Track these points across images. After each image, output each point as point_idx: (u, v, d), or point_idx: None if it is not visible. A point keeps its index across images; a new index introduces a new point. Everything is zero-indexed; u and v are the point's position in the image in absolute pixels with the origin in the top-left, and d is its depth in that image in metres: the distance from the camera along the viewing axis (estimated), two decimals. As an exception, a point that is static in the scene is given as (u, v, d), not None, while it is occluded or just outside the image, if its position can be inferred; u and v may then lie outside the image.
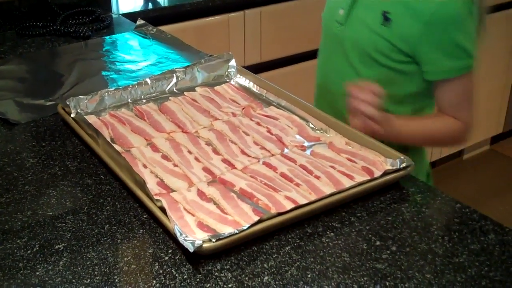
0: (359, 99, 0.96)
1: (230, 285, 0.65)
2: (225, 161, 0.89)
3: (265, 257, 0.69)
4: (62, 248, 0.71)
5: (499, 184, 2.62)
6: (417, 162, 0.96)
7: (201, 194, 0.81)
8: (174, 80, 1.14)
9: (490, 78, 2.65)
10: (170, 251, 0.70)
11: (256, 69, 1.93)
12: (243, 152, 0.92)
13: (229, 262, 0.68)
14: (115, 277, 0.66)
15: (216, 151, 0.92)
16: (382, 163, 0.87)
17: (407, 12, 1.02)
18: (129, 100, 1.09)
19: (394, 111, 1.05)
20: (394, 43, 1.04)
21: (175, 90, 1.13)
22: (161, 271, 0.67)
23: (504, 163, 2.79)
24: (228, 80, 1.18)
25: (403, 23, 1.03)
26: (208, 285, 0.65)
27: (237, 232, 0.70)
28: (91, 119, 1.00)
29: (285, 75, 2.00)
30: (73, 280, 0.66)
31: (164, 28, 1.65)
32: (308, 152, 0.92)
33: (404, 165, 0.85)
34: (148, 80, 1.12)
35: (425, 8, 1.00)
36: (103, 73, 1.24)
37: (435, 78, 1.05)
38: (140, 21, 1.50)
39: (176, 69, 1.15)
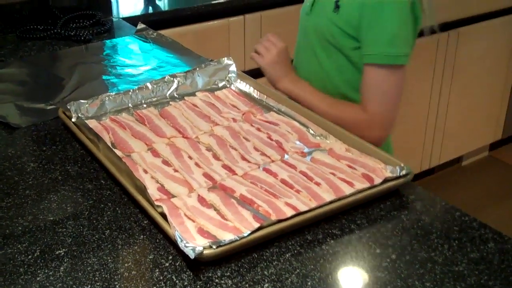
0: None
1: (230, 292, 0.65)
2: (225, 167, 0.90)
3: (265, 264, 0.70)
4: (62, 253, 0.71)
5: (498, 191, 2.63)
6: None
7: (201, 200, 0.81)
8: (175, 85, 1.14)
9: (488, 84, 2.66)
10: (170, 257, 0.71)
11: (256, 73, 1.93)
12: (243, 158, 0.92)
13: (230, 269, 0.69)
14: (116, 283, 0.67)
15: (216, 157, 0.92)
16: (382, 170, 0.87)
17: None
18: (129, 105, 1.09)
19: (353, 98, 1.15)
20: (343, 28, 1.12)
21: (175, 95, 1.13)
22: (161, 278, 0.67)
23: (503, 170, 2.79)
24: (228, 85, 1.18)
25: (347, 10, 1.11)
26: (209, 291, 0.65)
27: (237, 238, 0.70)
28: (92, 123, 1.01)
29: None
30: (74, 286, 0.66)
31: (164, 32, 1.66)
32: (308, 158, 0.93)
33: (404, 172, 0.85)
34: (149, 85, 1.12)
35: None
36: (104, 77, 1.25)
37: (364, 61, 1.10)
38: (140, 25, 1.50)
39: (176, 74, 1.15)
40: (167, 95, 1.13)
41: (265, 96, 1.12)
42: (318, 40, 1.18)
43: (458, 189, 2.61)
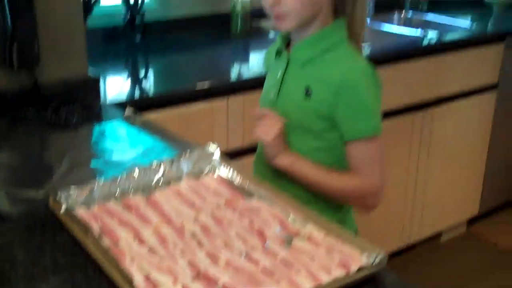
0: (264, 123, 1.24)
1: None
2: (209, 254, 0.93)
3: None
4: None
5: (478, 268, 2.66)
6: (344, 222, 1.28)
7: (186, 289, 0.84)
8: (161, 171, 1.19)
9: (464, 161, 2.75)
10: None
11: (239, 153, 2.00)
12: (226, 245, 0.96)
13: None
14: None
15: (200, 244, 0.96)
16: (359, 257, 0.92)
17: (322, 84, 1.22)
18: (117, 192, 1.13)
19: None
20: (316, 113, 1.23)
21: (161, 181, 1.18)
22: None
23: (481, 246, 2.84)
24: (212, 171, 1.23)
25: (321, 94, 1.22)
26: None
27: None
28: (81, 212, 1.05)
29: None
30: None
31: (150, 114, 1.73)
32: (288, 245, 0.97)
33: (379, 259, 0.89)
34: (136, 172, 1.17)
35: (334, 77, 1.20)
36: (92, 163, 1.30)
37: (347, 139, 1.22)
38: (128, 111, 1.57)
39: (162, 161, 1.21)
40: (154, 182, 1.18)
41: (247, 183, 1.17)
42: (288, 125, 1.27)
43: (438, 266, 2.64)
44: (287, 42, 1.32)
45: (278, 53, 1.33)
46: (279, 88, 1.29)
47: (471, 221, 2.95)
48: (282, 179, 1.29)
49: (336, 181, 1.24)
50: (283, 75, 1.29)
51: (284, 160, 1.25)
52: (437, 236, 2.83)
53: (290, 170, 1.25)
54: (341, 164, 1.26)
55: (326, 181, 1.24)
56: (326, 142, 1.25)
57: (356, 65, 1.22)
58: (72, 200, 1.07)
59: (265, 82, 1.39)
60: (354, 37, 1.26)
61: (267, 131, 1.25)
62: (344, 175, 1.25)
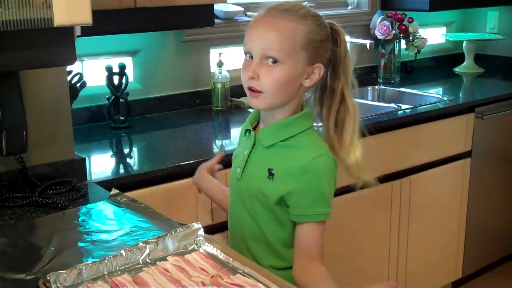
0: None
1: None
2: (196, 332, 0.97)
3: None
4: None
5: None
6: None
7: None
8: (147, 250, 1.23)
9: (444, 226, 2.80)
10: None
11: (223, 227, 2.04)
12: (212, 322, 0.99)
13: None
14: None
15: (187, 322, 1.00)
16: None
17: (285, 169, 1.30)
18: (105, 272, 1.16)
19: (283, 254, 1.36)
20: (277, 193, 1.31)
21: (148, 260, 1.22)
22: None
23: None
24: (197, 248, 1.27)
25: (282, 178, 1.30)
26: None
27: None
28: (70, 293, 1.07)
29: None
30: None
31: (136, 192, 1.78)
32: (272, 320, 1.00)
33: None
34: (123, 252, 1.20)
35: (297, 164, 1.28)
36: (79, 244, 1.33)
37: (303, 220, 1.30)
38: (114, 191, 1.61)
39: (148, 240, 1.24)
40: (140, 261, 1.21)
41: (231, 259, 1.21)
42: (250, 202, 1.36)
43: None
44: (256, 123, 1.41)
45: (247, 132, 1.40)
46: (244, 166, 1.37)
47: (456, 284, 2.98)
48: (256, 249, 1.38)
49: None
50: (249, 154, 1.37)
51: None
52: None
53: None
54: (291, 238, 1.35)
55: None
56: (280, 217, 1.34)
57: (317, 154, 1.29)
58: (61, 281, 1.10)
59: (236, 155, 1.46)
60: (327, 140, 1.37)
61: None
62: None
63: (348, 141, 1.35)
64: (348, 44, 1.36)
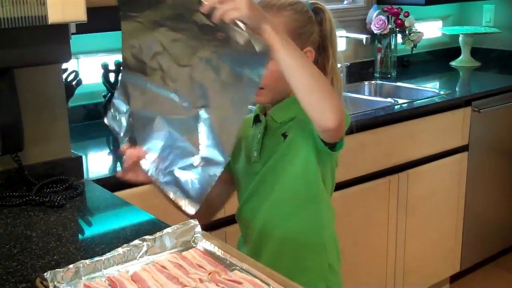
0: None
1: None
2: (194, 328, 0.96)
3: None
4: None
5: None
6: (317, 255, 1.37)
7: None
8: (145, 248, 1.23)
9: (442, 219, 2.81)
10: None
11: (221, 223, 2.04)
12: (210, 319, 0.99)
13: None
14: None
15: (185, 319, 0.99)
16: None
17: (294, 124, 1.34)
18: (102, 270, 1.16)
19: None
20: (292, 145, 1.34)
21: (145, 257, 1.21)
22: None
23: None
24: (194, 245, 1.27)
25: (294, 127, 1.34)
26: None
27: None
28: (67, 292, 1.07)
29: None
30: None
31: (133, 190, 1.77)
32: (270, 316, 1.00)
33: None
34: (120, 250, 1.20)
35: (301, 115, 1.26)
36: (77, 240, 1.33)
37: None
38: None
39: (145, 237, 1.24)
40: (138, 258, 1.21)
41: (228, 255, 1.21)
42: (274, 174, 1.37)
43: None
44: (264, 110, 1.43)
45: (255, 120, 1.42)
46: (261, 147, 1.38)
47: (454, 278, 2.99)
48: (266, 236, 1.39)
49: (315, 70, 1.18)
50: (263, 136, 1.39)
51: (273, 27, 1.10)
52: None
53: (283, 38, 1.12)
54: (314, 189, 1.38)
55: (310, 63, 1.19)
56: (301, 189, 1.37)
57: None
58: (58, 279, 1.10)
59: (240, 150, 1.45)
60: None
61: (232, 4, 1.07)
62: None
63: None
64: (333, 21, 1.38)
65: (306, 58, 1.21)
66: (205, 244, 1.27)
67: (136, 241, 1.23)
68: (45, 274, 1.09)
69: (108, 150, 2.18)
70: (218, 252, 1.24)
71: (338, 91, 1.38)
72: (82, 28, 1.59)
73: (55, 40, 1.40)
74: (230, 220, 2.06)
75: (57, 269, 1.11)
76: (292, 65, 1.14)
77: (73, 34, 1.52)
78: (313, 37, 1.35)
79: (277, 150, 1.36)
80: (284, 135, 1.35)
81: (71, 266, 1.13)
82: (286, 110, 1.37)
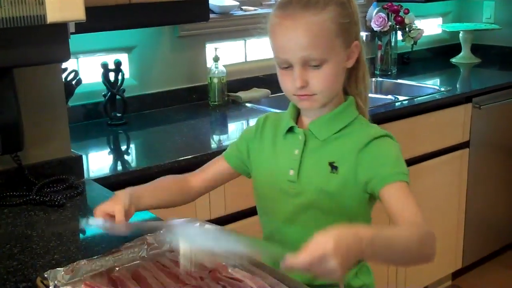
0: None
1: None
2: (194, 326, 0.96)
3: None
4: None
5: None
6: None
7: None
8: (145, 246, 1.23)
9: (444, 216, 2.80)
10: None
11: (221, 221, 2.04)
12: (211, 317, 0.99)
13: None
14: None
15: (186, 317, 0.99)
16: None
17: (346, 155, 1.20)
18: (103, 269, 1.16)
19: None
20: (345, 185, 1.20)
21: (146, 256, 1.21)
22: None
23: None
24: (195, 243, 1.27)
25: (346, 165, 1.20)
26: None
27: None
28: (68, 290, 1.07)
29: (249, 225, 2.10)
30: None
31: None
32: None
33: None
34: (121, 247, 1.20)
35: (356, 145, 1.19)
36: (78, 240, 1.33)
37: (380, 186, 1.16)
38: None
39: (146, 236, 1.24)
40: (138, 257, 1.21)
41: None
42: (312, 204, 1.22)
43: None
44: (296, 117, 1.29)
45: (289, 130, 1.27)
46: (299, 165, 1.24)
47: (456, 274, 2.99)
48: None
49: (404, 232, 1.08)
50: (302, 153, 1.24)
51: (366, 251, 0.97)
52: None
53: (378, 249, 1.01)
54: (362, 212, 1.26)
55: (400, 235, 1.06)
56: (349, 215, 1.22)
57: (374, 130, 1.23)
58: (59, 278, 1.10)
59: (259, 163, 1.32)
60: (361, 113, 1.28)
61: (327, 266, 0.91)
62: (401, 226, 1.12)
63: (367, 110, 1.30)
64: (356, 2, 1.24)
65: (393, 235, 1.05)
66: (205, 242, 1.27)
67: (137, 240, 1.23)
68: (46, 273, 1.09)
69: (108, 149, 2.18)
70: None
71: (365, 85, 1.28)
72: (81, 28, 1.59)
73: (54, 39, 1.40)
74: (231, 219, 2.06)
75: (57, 268, 1.11)
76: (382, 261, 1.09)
77: (72, 33, 1.52)
78: (357, 28, 1.22)
79: (323, 182, 1.21)
80: (333, 166, 1.20)
81: (71, 265, 1.13)
82: (330, 126, 1.24)
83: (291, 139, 1.27)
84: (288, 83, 1.20)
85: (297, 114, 1.29)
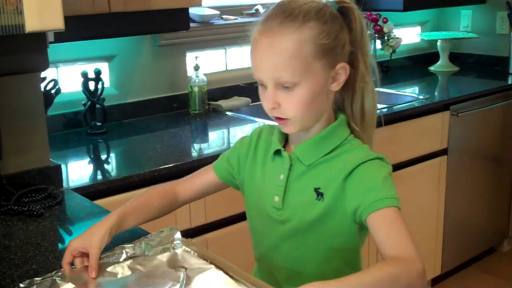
0: None
1: None
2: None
3: None
4: None
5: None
6: None
7: None
8: (124, 255, 1.22)
9: (422, 223, 2.83)
10: None
11: (202, 230, 2.04)
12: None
13: None
14: None
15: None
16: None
17: (332, 182, 1.12)
18: (80, 278, 1.16)
19: (345, 271, 1.07)
20: (330, 212, 1.13)
21: (125, 262, 1.21)
22: None
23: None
24: (173, 251, 1.27)
25: (332, 192, 1.13)
26: None
27: None
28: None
29: (230, 233, 2.10)
30: None
31: (113, 198, 1.77)
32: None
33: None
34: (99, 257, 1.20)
35: (342, 171, 1.11)
36: (56, 249, 1.32)
37: (366, 214, 1.07)
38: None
39: (124, 245, 1.24)
40: (119, 262, 1.21)
41: (208, 261, 1.21)
42: (297, 233, 1.17)
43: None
44: (284, 140, 1.23)
45: (275, 153, 1.22)
46: (284, 192, 1.18)
47: (435, 281, 3.01)
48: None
49: (372, 274, 0.99)
50: (287, 178, 1.19)
51: None
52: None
53: None
54: (349, 268, 1.18)
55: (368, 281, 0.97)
56: (336, 244, 1.17)
57: (363, 154, 1.14)
58: (36, 289, 1.10)
59: (250, 182, 1.27)
60: (356, 134, 1.20)
61: None
62: (376, 267, 1.02)
63: (372, 133, 1.24)
64: (363, 21, 1.16)
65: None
66: (185, 251, 1.27)
67: (115, 249, 1.23)
68: (23, 283, 1.09)
69: (88, 159, 2.17)
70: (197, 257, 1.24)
71: (370, 110, 1.20)
72: (61, 37, 1.59)
73: (32, 49, 1.40)
74: (211, 227, 2.07)
75: (35, 278, 1.11)
76: None
77: (51, 42, 1.53)
78: (347, 49, 1.13)
79: (308, 210, 1.15)
80: (319, 193, 1.14)
81: (48, 275, 1.13)
82: (316, 150, 1.16)
83: (278, 162, 1.21)
84: (264, 103, 1.14)
85: (286, 135, 1.22)
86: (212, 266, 1.18)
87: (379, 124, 1.28)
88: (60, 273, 1.14)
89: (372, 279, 0.97)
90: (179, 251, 1.26)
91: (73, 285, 1.12)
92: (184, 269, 1.17)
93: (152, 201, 1.32)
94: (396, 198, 1.09)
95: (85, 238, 1.17)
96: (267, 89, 1.12)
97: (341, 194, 1.12)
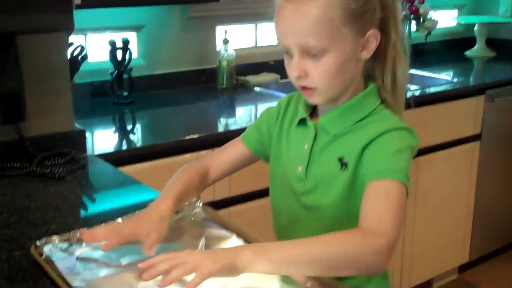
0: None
1: None
2: None
3: None
4: None
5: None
6: None
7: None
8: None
9: (452, 208, 2.76)
10: None
11: (225, 203, 2.01)
12: None
13: None
14: None
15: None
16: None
17: (357, 152, 1.06)
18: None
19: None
20: (354, 183, 1.07)
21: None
22: None
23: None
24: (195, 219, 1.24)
25: (354, 158, 1.06)
26: None
27: None
28: (60, 261, 1.04)
29: (254, 208, 2.07)
30: None
31: (136, 166, 1.75)
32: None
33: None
34: (119, 221, 1.17)
35: (366, 139, 1.05)
36: (77, 212, 1.30)
37: (368, 179, 1.02)
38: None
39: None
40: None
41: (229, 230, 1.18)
42: (322, 200, 1.12)
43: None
44: (311, 109, 1.18)
45: (301, 122, 1.17)
46: (308, 162, 1.14)
47: (463, 268, 2.95)
48: None
49: (329, 244, 0.96)
50: (311, 148, 1.14)
51: (251, 257, 0.94)
52: (428, 283, 2.81)
53: (266, 262, 0.95)
54: None
55: (318, 249, 0.95)
56: (356, 223, 1.03)
57: (390, 123, 1.09)
58: (53, 248, 1.07)
59: (276, 151, 1.22)
60: (387, 103, 1.14)
61: (189, 265, 0.92)
62: (335, 235, 0.97)
63: (402, 103, 1.17)
64: None
65: (304, 246, 0.96)
66: (205, 218, 1.24)
67: (136, 213, 1.20)
68: (39, 241, 1.07)
69: (113, 128, 2.15)
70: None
71: (401, 80, 1.14)
72: (90, 2, 1.57)
73: (57, 8, 1.38)
74: (235, 201, 2.04)
75: (53, 237, 1.09)
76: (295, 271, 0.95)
77: (79, 7, 1.49)
78: (377, 14, 1.07)
79: (332, 181, 1.10)
80: (342, 163, 1.08)
81: (66, 234, 1.10)
82: (343, 120, 1.11)
83: (302, 131, 1.16)
84: (290, 73, 1.09)
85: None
86: (234, 235, 1.15)
87: (407, 106, 1.22)
88: (78, 233, 1.11)
89: (311, 249, 0.95)
90: (200, 219, 1.24)
91: (89, 247, 1.10)
92: (203, 238, 1.13)
93: (193, 182, 1.24)
94: (403, 172, 1.01)
95: (148, 227, 1.07)
96: (293, 57, 1.07)
97: (359, 163, 1.06)
